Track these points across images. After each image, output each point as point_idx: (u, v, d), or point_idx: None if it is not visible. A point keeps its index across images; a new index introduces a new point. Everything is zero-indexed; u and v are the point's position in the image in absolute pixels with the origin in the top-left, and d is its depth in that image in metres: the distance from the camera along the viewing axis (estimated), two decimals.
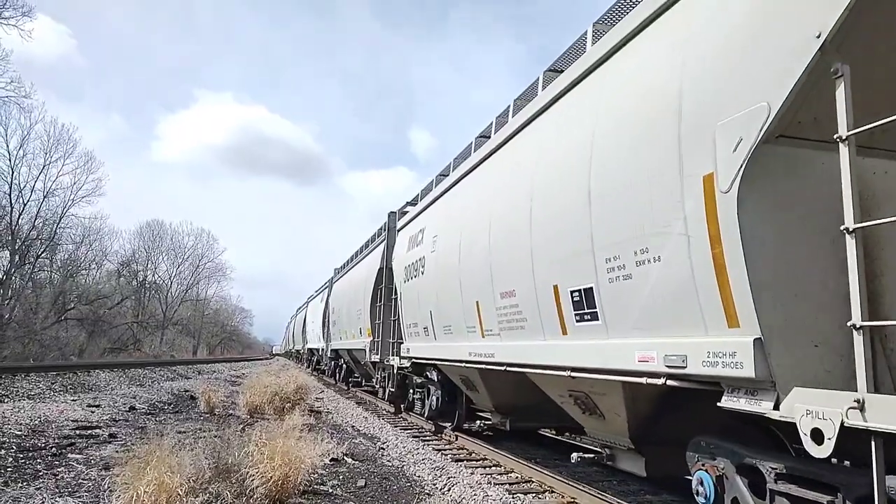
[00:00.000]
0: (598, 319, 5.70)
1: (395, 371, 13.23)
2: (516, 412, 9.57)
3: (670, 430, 6.06)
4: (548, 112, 6.93)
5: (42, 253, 48.39)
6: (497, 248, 7.74)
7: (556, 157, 6.42)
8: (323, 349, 29.34)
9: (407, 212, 13.68)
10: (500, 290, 7.70)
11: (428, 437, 12.35)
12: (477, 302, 8.46)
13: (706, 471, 4.99)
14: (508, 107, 8.65)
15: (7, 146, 44.80)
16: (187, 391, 20.74)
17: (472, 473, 8.73)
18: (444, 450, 10.86)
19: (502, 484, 8.13)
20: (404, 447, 10.94)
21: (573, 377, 6.14)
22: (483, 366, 8.50)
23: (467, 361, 8.95)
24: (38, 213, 46.44)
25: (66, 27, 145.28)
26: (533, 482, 8.34)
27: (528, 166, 7.12)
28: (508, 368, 7.64)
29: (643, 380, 5.07)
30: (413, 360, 11.79)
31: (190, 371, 32.92)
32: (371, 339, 15.40)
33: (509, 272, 7.41)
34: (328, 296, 27.08)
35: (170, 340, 65.18)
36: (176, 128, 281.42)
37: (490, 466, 9.44)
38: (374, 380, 17.89)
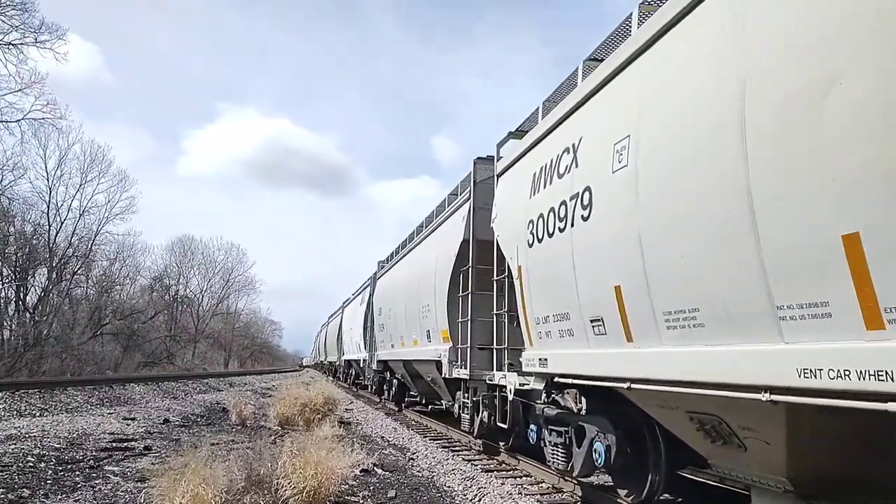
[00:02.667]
0: None
1: (510, 395, 7.32)
2: (837, 489, 3.93)
3: None
4: None
5: (78, 270, 44.82)
6: None
7: None
8: (365, 360, 22.00)
9: (501, 157, 8.10)
10: None
11: (458, 448, 11.15)
12: (859, 232, 2.89)
13: None
14: None
15: (45, 167, 41.60)
16: (219, 403, 19.12)
17: (502, 484, 7.90)
18: (475, 460, 9.88)
19: (533, 494, 7.31)
20: (434, 458, 9.99)
21: None
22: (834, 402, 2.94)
23: (780, 391, 3.35)
24: (74, 230, 43.67)
25: (93, 44, 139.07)
26: (564, 493, 7.40)
27: None
28: None
29: None
30: (555, 378, 6.11)
31: (221, 383, 30.88)
32: (450, 345, 9.67)
33: None
34: (371, 295, 20.30)
35: (201, 353, 59.42)
36: (202, 142, 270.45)
37: (520, 477, 8.51)
38: (445, 402, 12.14)
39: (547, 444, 6.85)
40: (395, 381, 17.59)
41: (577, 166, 5.46)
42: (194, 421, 14.62)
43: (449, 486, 7.80)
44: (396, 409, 18.42)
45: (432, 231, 12.23)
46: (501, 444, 9.32)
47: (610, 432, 5.67)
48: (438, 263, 10.60)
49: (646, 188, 4.38)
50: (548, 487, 7.71)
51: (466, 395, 9.50)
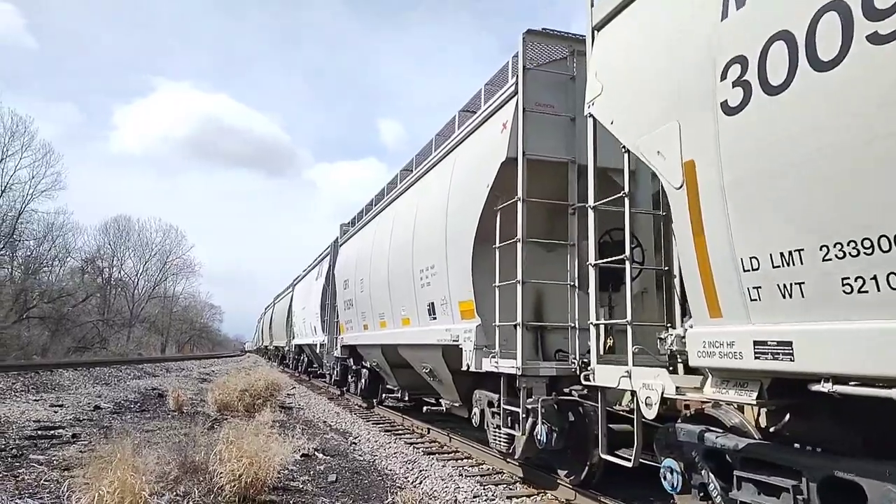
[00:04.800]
0: None
1: (649, 410, 3.43)
2: None
3: None
4: None
5: (1, 249, 39.57)
6: None
7: None
8: (323, 345, 17.00)
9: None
10: None
11: (401, 431, 10.44)
12: None
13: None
14: None
15: None
16: (155, 389, 17.33)
17: (443, 466, 7.38)
18: (417, 443, 9.20)
19: (473, 476, 6.84)
20: (376, 441, 9.34)
21: None
22: None
23: None
24: None
25: (12, 5, 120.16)
26: (504, 473, 6.87)
27: None
28: None
29: None
30: (815, 384, 2.54)
31: (158, 369, 27.59)
32: (476, 323, 6.05)
33: None
34: (331, 267, 15.51)
35: (137, 338, 52.62)
36: (135, 117, 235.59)
37: (461, 459, 7.93)
38: (448, 402, 8.33)
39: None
40: (364, 370, 12.98)
41: None
42: (127, 408, 13.22)
43: (391, 469, 7.34)
44: (365, 406, 13.90)
45: (441, 158, 7.83)
46: (563, 472, 5.76)
47: None
48: (454, 202, 6.79)
49: None
50: (488, 469, 7.23)
51: (511, 398, 5.75)
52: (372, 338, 10.74)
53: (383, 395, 13.00)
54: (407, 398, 11.26)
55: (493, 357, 5.78)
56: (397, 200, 9.98)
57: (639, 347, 3.82)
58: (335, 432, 10.28)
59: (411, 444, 9.12)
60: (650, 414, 3.59)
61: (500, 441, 6.21)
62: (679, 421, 3.82)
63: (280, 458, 5.96)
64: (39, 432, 9.22)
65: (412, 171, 9.40)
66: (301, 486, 6.33)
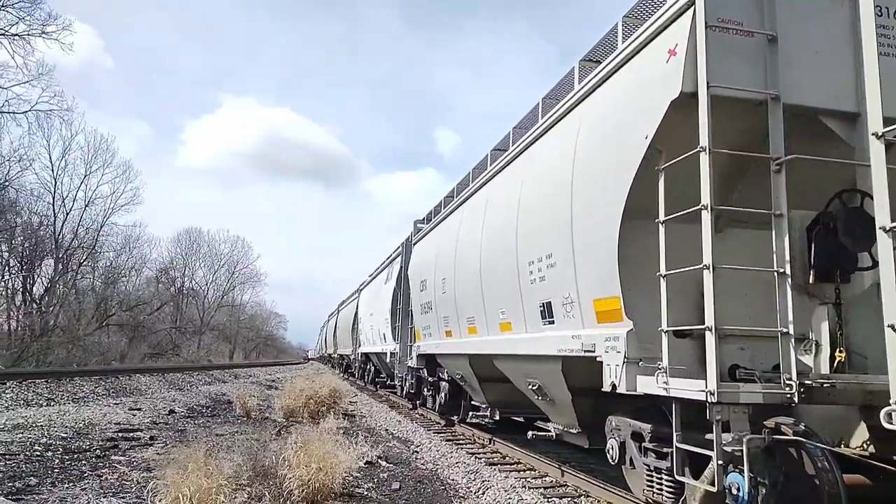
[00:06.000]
0: None
1: None
2: None
3: None
4: None
5: (84, 261, 41.77)
6: None
7: None
8: (393, 353, 15.47)
9: None
10: None
11: (462, 441, 10.17)
12: None
13: None
14: None
15: (50, 157, 38.55)
16: (224, 395, 17.79)
17: (506, 477, 7.14)
18: (479, 453, 9.02)
19: (537, 488, 6.64)
20: (438, 451, 9.15)
21: None
22: None
23: None
24: (79, 222, 40.50)
25: (91, 27, 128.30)
26: (568, 486, 6.73)
27: None
28: None
29: None
30: None
31: (227, 375, 28.85)
32: (627, 328, 4.46)
33: None
34: (404, 268, 14.19)
35: (207, 345, 54.39)
36: (202, 133, 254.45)
37: (524, 470, 7.77)
38: (558, 427, 6.75)
39: None
40: (443, 383, 11.41)
41: None
42: (200, 412, 13.68)
43: (453, 479, 7.28)
44: (443, 423, 12.25)
45: (555, 120, 6.12)
46: None
47: None
48: (583, 169, 5.19)
49: None
50: (551, 481, 7.08)
51: (686, 433, 4.07)
52: (457, 346, 9.19)
53: (468, 413, 11.18)
54: (497, 417, 9.66)
55: (660, 374, 4.09)
56: (490, 183, 8.29)
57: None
58: (397, 440, 10.25)
59: (473, 454, 8.93)
60: None
61: (660, 490, 4.44)
62: None
63: (345, 465, 6.04)
64: (120, 434, 9.48)
65: (506, 149, 7.85)
66: (366, 493, 6.40)
